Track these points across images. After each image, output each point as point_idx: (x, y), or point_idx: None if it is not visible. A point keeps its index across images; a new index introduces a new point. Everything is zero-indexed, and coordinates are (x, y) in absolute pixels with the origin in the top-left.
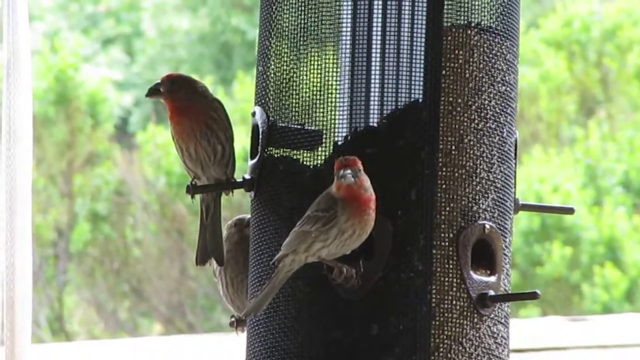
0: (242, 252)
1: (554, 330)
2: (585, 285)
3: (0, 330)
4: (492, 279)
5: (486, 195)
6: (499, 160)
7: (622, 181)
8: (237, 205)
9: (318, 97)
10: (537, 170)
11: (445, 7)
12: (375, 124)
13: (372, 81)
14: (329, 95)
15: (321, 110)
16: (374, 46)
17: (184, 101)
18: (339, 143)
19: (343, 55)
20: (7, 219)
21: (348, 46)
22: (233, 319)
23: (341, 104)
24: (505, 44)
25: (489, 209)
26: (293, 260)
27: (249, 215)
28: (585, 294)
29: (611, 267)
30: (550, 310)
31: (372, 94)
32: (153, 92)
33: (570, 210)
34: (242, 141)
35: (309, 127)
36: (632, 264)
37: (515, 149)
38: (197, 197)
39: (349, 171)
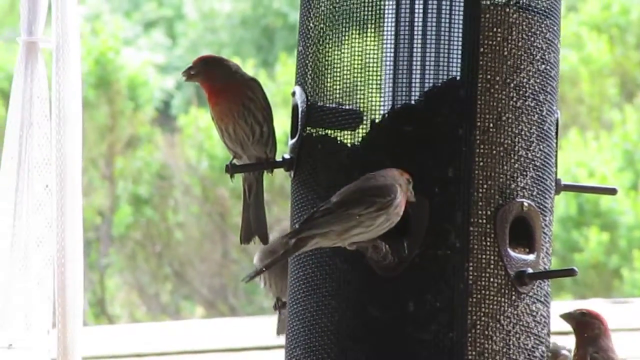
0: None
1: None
2: (624, 269)
3: (52, 313)
4: (531, 257)
5: (524, 173)
6: (538, 138)
7: None
8: (278, 188)
9: (357, 77)
10: (574, 155)
11: None
12: (413, 102)
13: (411, 60)
14: (368, 75)
15: (360, 89)
16: (415, 25)
17: (220, 81)
18: (377, 121)
19: (384, 35)
20: (57, 201)
21: (389, 26)
22: (278, 302)
23: (380, 83)
24: (545, 22)
25: (527, 187)
26: (317, 243)
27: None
28: (625, 278)
29: None
30: (591, 295)
31: (411, 72)
32: (189, 75)
33: (612, 191)
34: (283, 124)
35: (348, 107)
36: None
37: (557, 129)
38: (239, 176)
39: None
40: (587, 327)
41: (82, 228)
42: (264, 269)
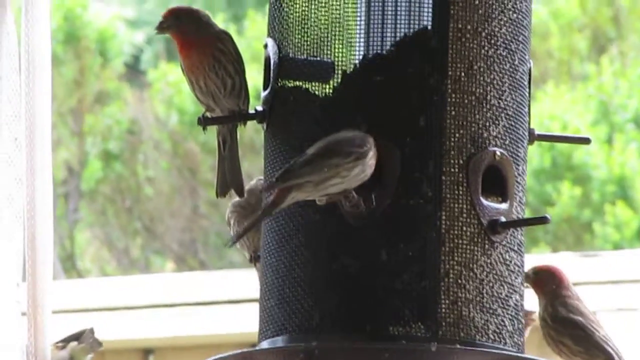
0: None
1: (566, 265)
2: (596, 224)
3: (22, 268)
4: (504, 205)
5: (497, 122)
6: (510, 87)
7: (635, 117)
8: (248, 143)
9: (328, 28)
10: (548, 107)
11: None
12: (384, 53)
13: (383, 10)
14: (340, 26)
15: (331, 40)
16: None
17: (192, 34)
18: (348, 72)
19: None
20: (27, 154)
21: None
22: (253, 254)
23: (351, 34)
24: None
25: (499, 135)
26: (294, 198)
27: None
28: (596, 232)
29: (622, 206)
30: (563, 248)
31: (383, 23)
32: (161, 28)
33: (586, 140)
34: (253, 79)
35: (320, 58)
36: None
37: (529, 78)
38: (212, 130)
39: None
40: (543, 283)
41: (52, 182)
42: (244, 231)
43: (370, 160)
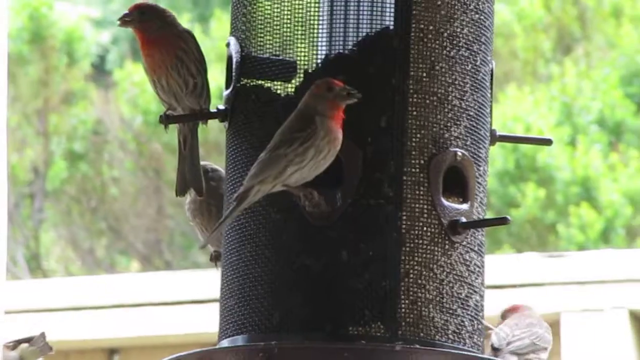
0: (206, 205)
1: (531, 266)
2: (560, 225)
3: None
4: (465, 206)
5: (458, 123)
6: (472, 88)
7: (598, 119)
8: (213, 142)
9: (291, 27)
10: (510, 109)
11: None
12: (346, 52)
13: (346, 10)
14: (302, 25)
15: (294, 40)
16: None
17: (155, 32)
18: (310, 71)
19: None
20: None
21: None
22: (213, 253)
23: (314, 34)
24: None
25: (461, 136)
26: (258, 191)
27: (210, 164)
28: (560, 234)
29: (586, 208)
30: (527, 249)
31: (345, 22)
32: (124, 21)
33: (548, 142)
34: (217, 79)
35: (283, 57)
36: (608, 204)
37: (491, 79)
38: (173, 128)
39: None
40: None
41: (6, 183)
42: (213, 232)
43: (325, 137)
